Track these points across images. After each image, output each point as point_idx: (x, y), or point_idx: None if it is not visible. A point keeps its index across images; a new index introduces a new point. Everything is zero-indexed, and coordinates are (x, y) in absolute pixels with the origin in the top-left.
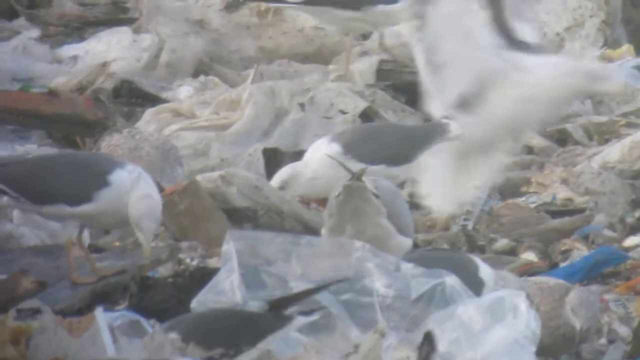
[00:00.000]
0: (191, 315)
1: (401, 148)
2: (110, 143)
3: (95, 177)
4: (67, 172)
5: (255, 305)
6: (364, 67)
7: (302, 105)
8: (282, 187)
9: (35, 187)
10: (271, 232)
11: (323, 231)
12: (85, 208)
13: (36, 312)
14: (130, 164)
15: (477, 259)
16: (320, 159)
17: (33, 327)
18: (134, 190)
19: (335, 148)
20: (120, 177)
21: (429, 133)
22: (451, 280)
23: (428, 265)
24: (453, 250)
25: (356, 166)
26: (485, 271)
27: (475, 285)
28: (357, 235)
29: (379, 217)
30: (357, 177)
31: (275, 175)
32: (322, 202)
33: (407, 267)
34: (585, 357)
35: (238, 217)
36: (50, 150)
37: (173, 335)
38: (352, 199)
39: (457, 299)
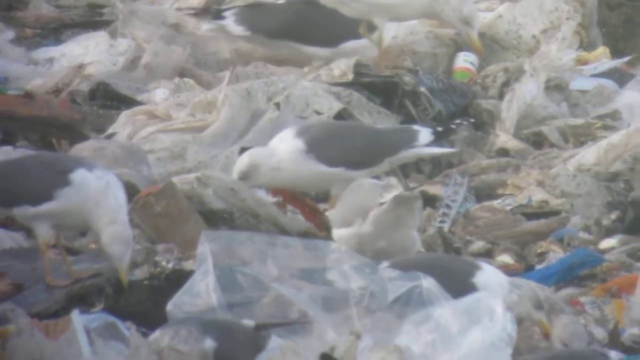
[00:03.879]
0: (211, 322)
1: (364, 152)
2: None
3: (57, 176)
4: (30, 173)
5: (246, 324)
6: (341, 67)
7: (277, 105)
8: (243, 178)
9: (2, 190)
10: (247, 232)
11: (338, 232)
12: (47, 207)
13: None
14: (101, 170)
15: (483, 265)
16: (286, 151)
17: (9, 329)
18: (104, 209)
19: (299, 145)
20: (83, 177)
21: (395, 139)
22: (428, 283)
23: (411, 270)
24: (447, 255)
25: (316, 166)
26: (482, 276)
27: (464, 290)
28: (387, 246)
29: (413, 229)
30: (411, 189)
31: (235, 165)
32: (284, 193)
33: (384, 270)
34: None
35: (214, 219)
36: (26, 152)
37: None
38: (398, 208)
39: (435, 301)
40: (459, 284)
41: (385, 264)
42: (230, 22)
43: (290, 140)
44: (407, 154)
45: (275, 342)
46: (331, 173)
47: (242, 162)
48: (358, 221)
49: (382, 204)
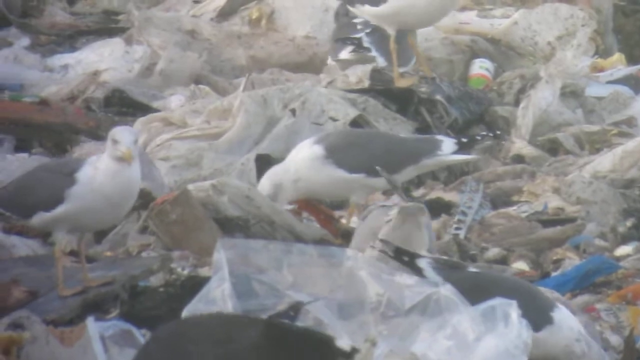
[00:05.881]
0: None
1: (384, 159)
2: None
3: (64, 178)
4: (41, 181)
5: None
6: (357, 73)
7: (293, 111)
8: (273, 200)
9: (18, 202)
10: (263, 240)
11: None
12: (60, 210)
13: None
14: (93, 156)
15: (560, 305)
16: (300, 160)
17: (24, 336)
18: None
19: (318, 151)
20: (86, 172)
21: (419, 148)
22: (446, 290)
23: (492, 288)
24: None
25: (335, 171)
26: (560, 313)
27: (543, 321)
28: None
29: (422, 249)
30: (415, 201)
31: (259, 189)
32: (300, 201)
33: (401, 276)
34: None
35: (229, 226)
36: (41, 159)
37: None
38: (405, 223)
39: (453, 308)
40: (538, 313)
41: (472, 268)
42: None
43: (308, 148)
44: (430, 162)
45: None
46: (351, 179)
47: (265, 186)
48: (370, 245)
49: (388, 221)
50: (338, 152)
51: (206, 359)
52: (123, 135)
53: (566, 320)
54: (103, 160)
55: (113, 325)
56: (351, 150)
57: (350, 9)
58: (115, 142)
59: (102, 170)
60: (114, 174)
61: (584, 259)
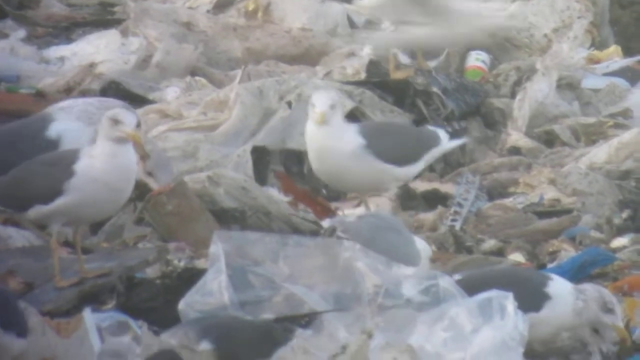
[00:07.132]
0: (215, 322)
1: (411, 149)
2: None
3: (62, 170)
4: (37, 174)
5: (262, 320)
6: (354, 65)
7: (289, 104)
8: (333, 105)
9: (13, 196)
10: (259, 232)
11: None
12: (59, 203)
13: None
14: (86, 146)
15: (552, 275)
16: (340, 148)
17: None
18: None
19: (361, 140)
20: (84, 162)
21: (429, 138)
22: (444, 282)
23: (482, 284)
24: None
25: (374, 163)
26: (555, 286)
27: (540, 300)
28: None
29: None
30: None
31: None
32: (296, 192)
33: (399, 268)
34: (573, 359)
35: (225, 218)
36: None
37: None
38: None
39: (451, 300)
40: (534, 295)
41: (457, 276)
42: None
43: (351, 137)
44: (437, 151)
45: (300, 335)
46: (382, 170)
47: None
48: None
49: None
50: (377, 142)
51: None
52: (126, 116)
53: (561, 287)
54: (98, 145)
55: (109, 316)
56: (386, 140)
57: (349, 7)
58: (116, 122)
59: (98, 155)
60: (112, 155)
61: (580, 250)
